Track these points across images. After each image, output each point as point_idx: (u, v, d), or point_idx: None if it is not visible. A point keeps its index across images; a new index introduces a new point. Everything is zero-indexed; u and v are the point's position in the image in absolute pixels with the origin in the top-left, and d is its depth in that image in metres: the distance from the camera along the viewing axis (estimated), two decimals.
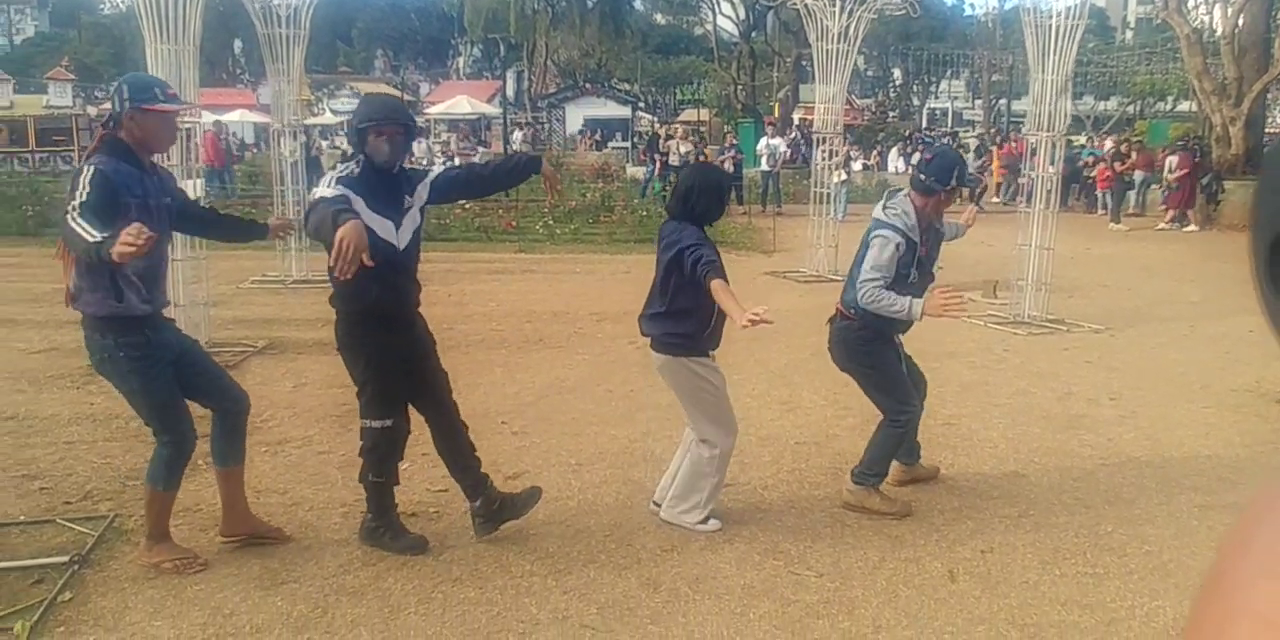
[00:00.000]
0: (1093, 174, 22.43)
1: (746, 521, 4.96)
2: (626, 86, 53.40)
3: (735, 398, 6.99)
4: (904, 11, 13.27)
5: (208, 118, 16.16)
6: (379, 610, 4.01)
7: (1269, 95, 24.89)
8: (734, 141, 24.15)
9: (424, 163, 23.46)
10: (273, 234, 4.93)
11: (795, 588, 4.26)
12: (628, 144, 38.81)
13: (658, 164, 22.91)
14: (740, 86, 45.06)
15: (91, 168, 3.88)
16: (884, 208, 5.02)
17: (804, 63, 39.25)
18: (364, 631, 3.85)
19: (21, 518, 4.89)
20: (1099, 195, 22.17)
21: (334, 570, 4.35)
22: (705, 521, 4.82)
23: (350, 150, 4.57)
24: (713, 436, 4.76)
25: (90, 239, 3.56)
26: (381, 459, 4.49)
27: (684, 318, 4.64)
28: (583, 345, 8.85)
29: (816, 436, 6.30)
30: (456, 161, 22.65)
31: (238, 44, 54.89)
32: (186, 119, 8.18)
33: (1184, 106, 39.93)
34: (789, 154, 26.01)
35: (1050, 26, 9.68)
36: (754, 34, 47.67)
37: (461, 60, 67.41)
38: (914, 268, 4.93)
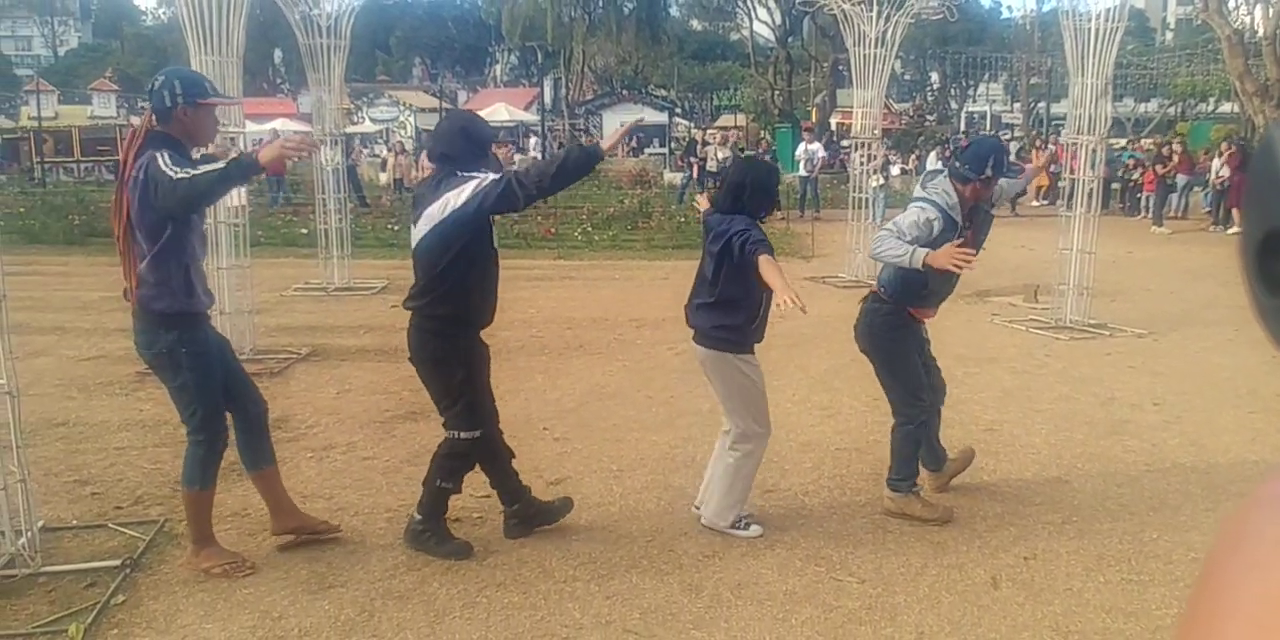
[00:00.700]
0: (1134, 177, 22.20)
1: (788, 527, 4.97)
2: (664, 93, 53.52)
3: (775, 403, 7.00)
4: (941, 16, 13.20)
5: (251, 128, 16.33)
6: (424, 614, 4.05)
7: None
8: (770, 146, 24.12)
9: None
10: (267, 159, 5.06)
11: (837, 594, 4.27)
12: (665, 150, 38.85)
13: (694, 169, 22.94)
14: (777, 92, 45.03)
15: (152, 153, 3.95)
16: (923, 185, 5.04)
17: (841, 67, 39.10)
18: (410, 635, 3.89)
19: (74, 522, 4.98)
20: (1140, 198, 21.94)
21: (380, 574, 4.40)
22: (747, 527, 4.84)
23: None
24: (750, 431, 4.76)
25: (218, 168, 3.79)
26: (460, 468, 4.59)
27: (732, 308, 4.64)
28: (622, 351, 8.88)
29: (857, 442, 6.29)
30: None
31: (278, 54, 55.55)
32: (231, 129, 8.32)
33: (1226, 108, 39.50)
34: (827, 159, 25.95)
35: (1089, 29, 9.62)
36: (791, 39, 47.65)
37: (499, 68, 67.76)
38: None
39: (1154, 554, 4.70)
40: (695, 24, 61.67)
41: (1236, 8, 30.78)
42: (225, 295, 7.80)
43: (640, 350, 8.91)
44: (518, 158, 28.66)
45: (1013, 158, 25.75)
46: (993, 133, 48.23)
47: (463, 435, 4.52)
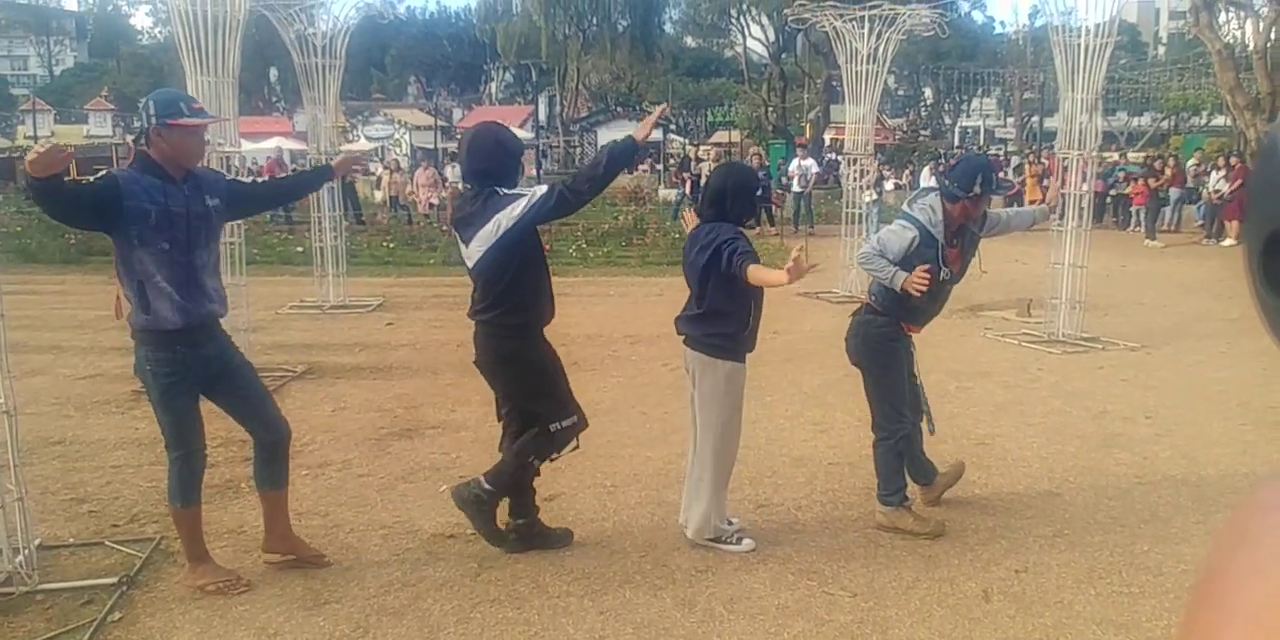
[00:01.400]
0: (1126, 190, 22.28)
1: (780, 542, 5.00)
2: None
3: (768, 418, 7.06)
4: (933, 32, 13.29)
5: (247, 146, 16.39)
6: (419, 630, 4.07)
7: None
8: (763, 161, 24.19)
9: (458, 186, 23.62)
10: (340, 170, 5.29)
11: (829, 608, 4.29)
12: (660, 166, 38.95)
13: (687, 184, 23.02)
14: (771, 108, 45.26)
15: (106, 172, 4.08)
16: (909, 203, 5.11)
17: (834, 83, 39.20)
18: None
19: (71, 540, 5.00)
20: (1133, 212, 22.02)
21: (375, 591, 4.42)
22: (739, 542, 4.86)
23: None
24: (715, 439, 4.76)
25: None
26: (549, 453, 4.74)
27: (720, 318, 4.67)
28: (617, 368, 8.91)
29: (850, 457, 6.31)
30: None
31: (273, 72, 55.69)
32: (226, 148, 8.36)
33: (1218, 121, 39.69)
34: (821, 174, 26.04)
35: (1079, 45, 9.69)
36: (784, 56, 47.90)
37: (494, 85, 68.00)
38: (942, 265, 4.96)
39: (1145, 566, 4.73)
40: (689, 41, 61.88)
41: (1227, 22, 30.97)
42: None
43: (634, 366, 8.94)
44: None
45: (1011, 173, 25.81)
46: (985, 148, 48.51)
47: (564, 423, 4.67)
